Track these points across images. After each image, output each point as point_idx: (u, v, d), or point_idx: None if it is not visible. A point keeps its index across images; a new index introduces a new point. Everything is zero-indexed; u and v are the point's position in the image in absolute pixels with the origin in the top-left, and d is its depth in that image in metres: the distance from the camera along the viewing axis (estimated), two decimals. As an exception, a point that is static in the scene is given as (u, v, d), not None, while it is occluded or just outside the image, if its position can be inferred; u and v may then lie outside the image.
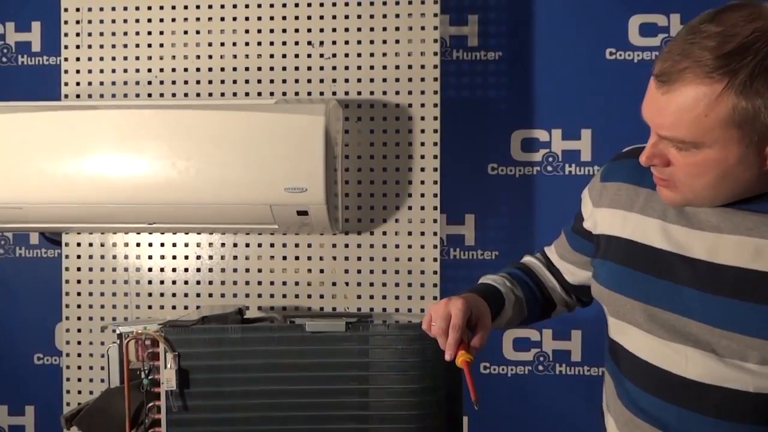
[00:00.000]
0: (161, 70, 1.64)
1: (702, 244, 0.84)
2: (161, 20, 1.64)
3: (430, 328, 0.96)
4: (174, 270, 1.67)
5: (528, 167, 1.80)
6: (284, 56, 1.62)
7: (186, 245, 1.67)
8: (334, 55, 1.61)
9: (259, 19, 1.62)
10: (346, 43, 1.60)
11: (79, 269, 1.67)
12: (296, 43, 1.61)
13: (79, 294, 1.67)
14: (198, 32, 1.64)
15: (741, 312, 0.81)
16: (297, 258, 1.64)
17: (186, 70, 1.64)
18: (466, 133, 1.80)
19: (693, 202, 0.84)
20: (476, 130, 1.80)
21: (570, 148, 1.79)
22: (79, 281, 1.67)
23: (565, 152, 1.79)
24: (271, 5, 1.62)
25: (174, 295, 1.66)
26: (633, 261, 0.91)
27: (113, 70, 1.65)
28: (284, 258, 1.64)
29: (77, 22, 1.65)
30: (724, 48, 0.73)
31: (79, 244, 1.67)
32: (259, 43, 1.63)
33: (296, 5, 1.61)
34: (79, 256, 1.67)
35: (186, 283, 1.66)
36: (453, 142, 1.75)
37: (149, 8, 1.64)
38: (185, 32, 1.64)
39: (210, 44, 1.64)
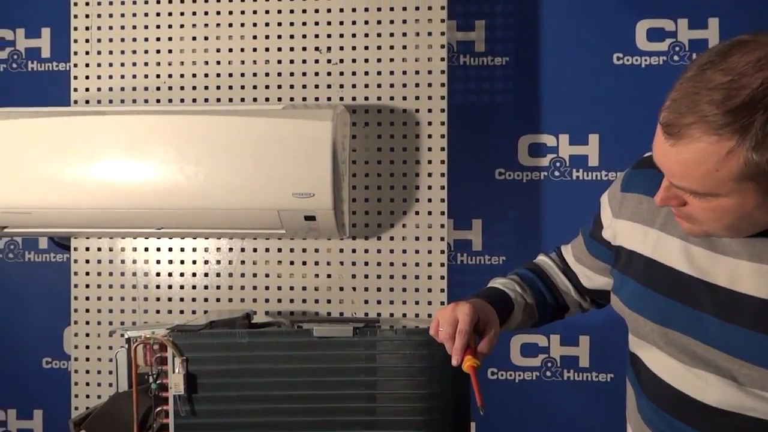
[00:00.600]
0: (170, 75, 1.65)
1: (723, 270, 0.82)
2: (170, 26, 1.65)
3: (437, 333, 0.95)
4: (182, 275, 1.67)
5: (535, 172, 1.80)
6: (292, 62, 1.62)
7: (194, 250, 1.67)
8: (341, 61, 1.61)
9: (267, 25, 1.63)
10: (354, 48, 1.60)
11: (87, 274, 1.68)
12: (304, 49, 1.62)
13: (87, 298, 1.67)
14: (206, 38, 1.64)
15: (761, 344, 0.79)
16: (304, 263, 1.64)
17: (194, 75, 1.65)
18: (473, 138, 1.79)
19: (714, 235, 0.82)
20: (483, 135, 1.80)
21: (577, 153, 1.78)
22: (87, 286, 1.67)
23: (573, 157, 1.79)
24: (279, 11, 1.62)
25: (182, 299, 1.67)
26: (653, 282, 0.88)
27: (122, 76, 1.66)
28: (292, 263, 1.64)
29: (87, 28, 1.66)
30: (731, 102, 0.69)
31: (87, 249, 1.68)
32: (267, 49, 1.63)
33: (304, 11, 1.61)
34: (87, 261, 1.68)
35: (194, 287, 1.67)
36: (460, 147, 1.75)
37: (158, 14, 1.65)
38: (194, 38, 1.65)
39: (218, 50, 1.64)
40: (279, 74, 1.63)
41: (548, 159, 1.79)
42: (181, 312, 1.66)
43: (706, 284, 0.83)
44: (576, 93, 1.77)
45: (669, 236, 0.87)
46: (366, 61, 1.60)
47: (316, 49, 1.62)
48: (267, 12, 1.62)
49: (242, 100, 1.63)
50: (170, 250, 1.68)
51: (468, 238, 1.80)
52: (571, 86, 1.77)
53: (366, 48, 1.60)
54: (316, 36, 1.62)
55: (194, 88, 1.64)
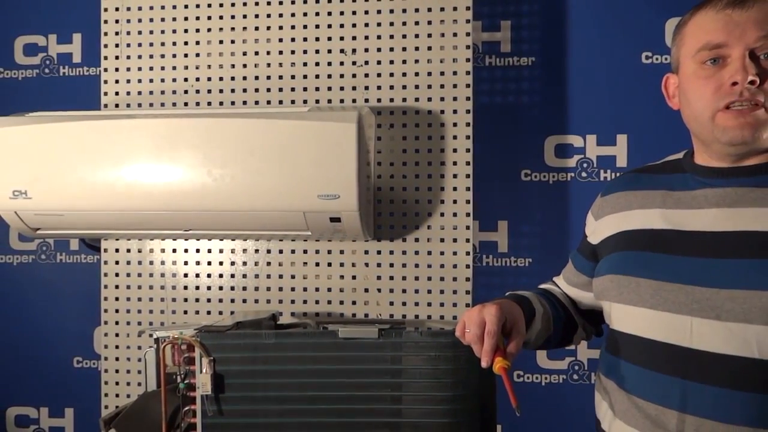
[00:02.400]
0: (197, 79, 1.67)
1: (702, 219, 0.89)
2: (197, 30, 1.67)
3: (463, 335, 0.96)
4: (209, 276, 1.68)
5: (562, 173, 1.78)
6: (317, 64, 1.63)
7: (220, 251, 1.68)
8: (366, 63, 1.61)
9: (293, 27, 1.63)
10: (378, 50, 1.61)
11: (117, 275, 1.70)
12: (329, 51, 1.62)
13: (117, 299, 1.69)
14: (232, 41, 1.66)
15: (743, 269, 0.84)
16: (330, 264, 1.64)
17: (221, 78, 1.66)
18: (499, 139, 1.78)
19: None
20: (509, 136, 1.79)
21: (605, 153, 1.76)
22: (117, 286, 1.69)
23: (600, 158, 1.77)
24: (304, 14, 1.63)
25: (209, 300, 1.68)
26: (635, 244, 0.95)
27: (151, 80, 1.68)
28: (317, 264, 1.64)
29: (116, 33, 1.69)
30: None
31: (117, 250, 1.70)
32: (293, 52, 1.64)
33: (329, 13, 1.62)
34: (117, 262, 1.70)
35: (220, 288, 1.68)
36: (486, 148, 1.74)
37: (185, 19, 1.67)
38: (220, 41, 1.66)
39: (244, 53, 1.65)
40: (304, 76, 1.63)
41: (575, 160, 1.77)
42: (208, 313, 1.67)
43: (684, 232, 0.90)
44: (604, 93, 1.74)
45: (648, 210, 0.96)
46: (391, 62, 1.61)
47: (341, 50, 1.62)
48: (292, 15, 1.64)
49: (268, 102, 1.65)
50: (198, 251, 1.69)
51: (493, 240, 1.79)
52: (598, 86, 1.74)
53: (391, 49, 1.60)
54: (341, 38, 1.62)
55: (221, 91, 1.66)
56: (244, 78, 1.65)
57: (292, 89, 1.64)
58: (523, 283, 1.74)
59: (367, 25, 1.61)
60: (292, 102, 1.64)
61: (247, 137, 1.44)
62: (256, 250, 1.67)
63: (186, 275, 1.69)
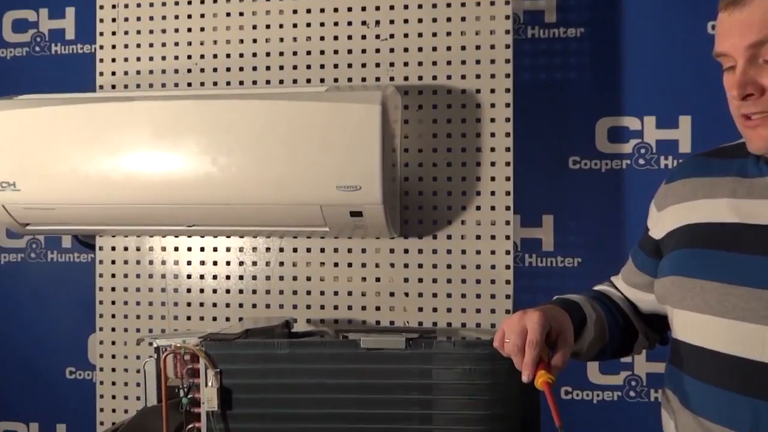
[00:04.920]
0: (201, 56, 1.68)
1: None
2: (202, 2, 1.67)
3: (502, 345, 0.95)
4: (215, 277, 1.69)
5: (616, 160, 1.77)
6: (336, 38, 1.63)
7: (228, 250, 1.69)
8: (391, 36, 1.61)
9: (308, -3, 1.64)
10: (405, 22, 1.60)
11: (113, 275, 1.71)
12: (349, 24, 1.62)
13: (113, 303, 1.71)
14: (241, 14, 1.66)
15: None
16: (350, 265, 1.64)
17: (228, 56, 1.67)
18: (543, 121, 1.77)
19: None
20: (555, 118, 1.77)
21: (666, 137, 1.75)
22: (113, 289, 1.71)
23: (660, 142, 1.75)
24: (322, -17, 1.64)
25: (215, 305, 1.68)
26: (699, 240, 0.94)
27: (150, 58, 1.69)
28: (336, 265, 1.65)
29: (113, 6, 1.71)
30: None
31: (113, 248, 1.72)
32: (308, 24, 1.64)
33: (349, -19, 1.63)
34: (113, 261, 1.72)
35: (228, 291, 1.68)
36: (528, 132, 1.73)
37: (189, -11, 1.68)
38: (227, 14, 1.67)
39: (254, 27, 1.66)
40: (321, 52, 1.63)
41: (631, 145, 1.76)
42: (214, 319, 1.68)
43: (755, 227, 0.88)
44: (664, 68, 1.73)
45: (715, 199, 0.94)
46: (419, 35, 1.60)
47: (363, 23, 1.62)
48: (308, -17, 1.64)
49: (280, 82, 1.64)
50: (202, 249, 1.70)
51: (537, 237, 1.78)
52: (658, 61, 1.73)
53: (419, 21, 1.60)
54: (363, 9, 1.62)
55: (228, 69, 1.66)
56: (254, 55, 1.66)
57: (308, 67, 1.64)
58: (571, 286, 1.70)
59: (392, -7, 1.60)
60: (308, 81, 1.64)
61: (257, 121, 1.44)
62: (267, 249, 1.67)
63: (189, 276, 1.70)
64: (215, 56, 1.67)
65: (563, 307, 1.01)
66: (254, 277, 1.68)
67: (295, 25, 1.64)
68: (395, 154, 1.56)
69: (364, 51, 1.62)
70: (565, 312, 0.99)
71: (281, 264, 1.67)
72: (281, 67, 1.64)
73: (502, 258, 1.59)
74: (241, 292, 1.68)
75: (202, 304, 1.69)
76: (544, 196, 1.78)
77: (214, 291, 1.69)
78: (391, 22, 1.60)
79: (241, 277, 1.68)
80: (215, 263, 1.69)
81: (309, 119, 1.42)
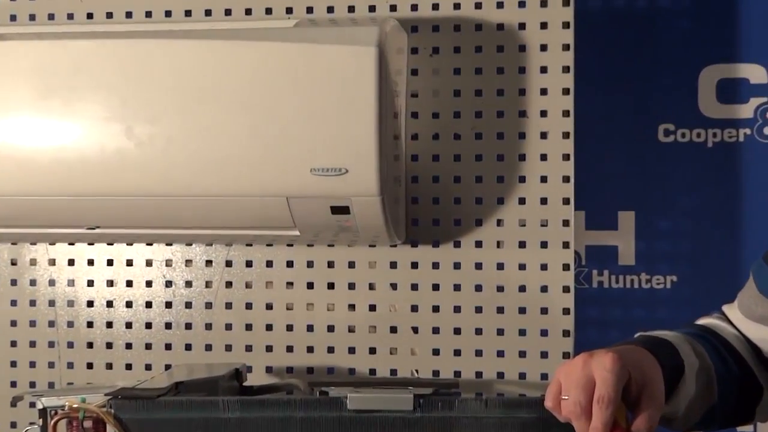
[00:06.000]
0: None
1: None
2: None
3: (559, 404, 0.94)
4: (129, 305, 1.69)
5: (729, 129, 1.76)
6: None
7: (148, 264, 1.69)
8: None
9: None
10: None
11: (-23, 303, 1.71)
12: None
13: (-23, 343, 1.72)
14: None
15: None
16: (331, 286, 1.64)
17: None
18: (618, 72, 1.76)
19: None
20: (638, 67, 1.76)
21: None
22: (-23, 323, 1.71)
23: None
24: None
25: (129, 346, 1.68)
26: None
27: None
28: (310, 286, 1.65)
29: None
30: None
31: (-23, 263, 1.73)
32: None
33: None
34: (-23, 282, 1.73)
35: (148, 326, 1.68)
36: (597, 89, 1.72)
37: None
38: None
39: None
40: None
41: (752, 106, 1.75)
42: (128, 367, 1.68)
43: None
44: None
45: None
46: (433, -61, 1.60)
47: None
48: None
49: (227, 12, 1.64)
50: (110, 263, 1.70)
51: (611, 244, 1.78)
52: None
53: None
54: None
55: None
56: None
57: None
58: (662, 319, 1.71)
59: None
60: (268, 12, 1.63)
61: (193, 72, 1.45)
62: (208, 263, 1.68)
63: (91, 304, 1.70)
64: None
65: (649, 349, 1.00)
66: (188, 305, 1.67)
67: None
68: (398, 122, 1.55)
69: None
70: (651, 356, 0.98)
71: (228, 285, 1.67)
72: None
73: (558, 276, 1.59)
74: (168, 326, 1.68)
75: (109, 345, 1.68)
76: (622, 183, 1.77)
77: (128, 325, 1.69)
78: None
79: (168, 305, 1.68)
80: (129, 284, 1.69)
81: (269, 69, 1.43)
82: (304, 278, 1.64)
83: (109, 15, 1.66)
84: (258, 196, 1.45)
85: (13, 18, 1.68)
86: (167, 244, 1.67)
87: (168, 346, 1.67)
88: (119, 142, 1.43)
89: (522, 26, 1.58)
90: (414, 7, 1.59)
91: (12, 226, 1.57)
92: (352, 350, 1.63)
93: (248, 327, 1.65)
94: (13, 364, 1.69)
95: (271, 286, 1.65)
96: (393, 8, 1.59)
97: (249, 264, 1.65)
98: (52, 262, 1.69)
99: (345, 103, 1.41)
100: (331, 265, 1.63)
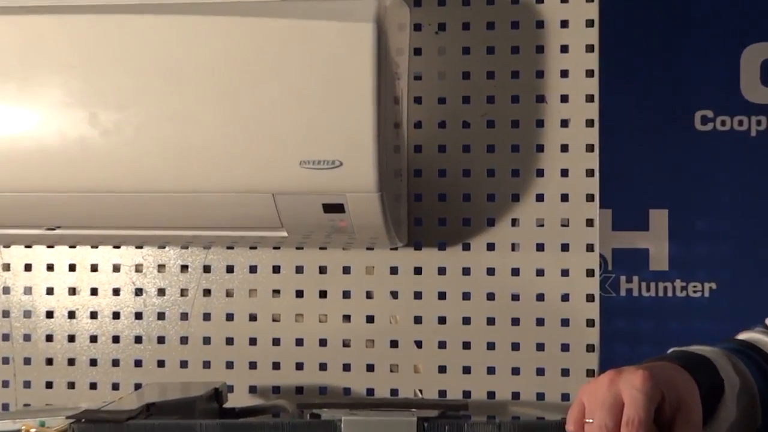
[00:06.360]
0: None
1: None
2: None
3: (582, 428, 0.92)
4: (93, 315, 1.68)
5: None
6: None
7: (115, 269, 1.69)
8: None
9: None
10: None
11: None
12: None
13: None
14: None
15: None
16: (323, 295, 1.64)
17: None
18: (649, 52, 1.75)
19: None
20: (671, 45, 1.75)
21: None
22: None
23: None
24: None
25: (93, 362, 1.68)
26: None
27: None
28: (299, 294, 1.65)
29: None
30: None
31: None
32: None
33: None
34: None
35: (116, 340, 1.68)
36: (625, 69, 1.70)
37: None
38: None
39: None
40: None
41: None
42: (93, 386, 1.68)
43: None
44: None
45: None
46: None
47: None
48: None
49: None
50: (72, 269, 1.70)
51: (641, 247, 1.76)
52: None
53: None
54: None
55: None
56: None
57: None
58: (699, 331, 1.71)
59: None
60: None
61: (166, 51, 1.45)
62: (184, 268, 1.68)
63: (50, 315, 1.70)
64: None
65: (684, 366, 0.97)
66: (161, 316, 1.68)
67: None
68: (399, 108, 1.56)
69: None
70: (687, 373, 0.96)
71: (206, 293, 1.67)
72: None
73: (581, 283, 1.60)
74: (138, 340, 1.68)
75: (71, 362, 1.68)
76: (654, 177, 1.76)
77: (93, 339, 1.68)
78: None
79: (138, 315, 1.68)
80: (94, 292, 1.69)
81: (252, 48, 1.44)
82: (292, 285, 1.64)
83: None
84: (240, 191, 1.45)
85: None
86: (137, 247, 1.67)
87: (138, 363, 1.67)
88: (82, 131, 1.42)
89: (541, -1, 1.56)
90: (418, -21, 1.58)
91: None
92: (347, 367, 1.63)
93: (229, 341, 1.65)
94: (-39, 382, 1.61)
95: (254, 295, 1.65)
96: (395, -21, 1.58)
97: (230, 269, 1.65)
98: (6, 267, 1.70)
99: (339, 86, 1.41)
100: (323, 270, 1.63)
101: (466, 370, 1.60)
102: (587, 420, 0.91)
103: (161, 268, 1.67)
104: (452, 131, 1.60)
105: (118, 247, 1.67)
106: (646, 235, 1.77)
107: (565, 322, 1.58)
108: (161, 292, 1.67)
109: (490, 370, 1.60)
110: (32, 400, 1.67)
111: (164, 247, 1.66)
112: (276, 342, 1.64)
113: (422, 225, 1.61)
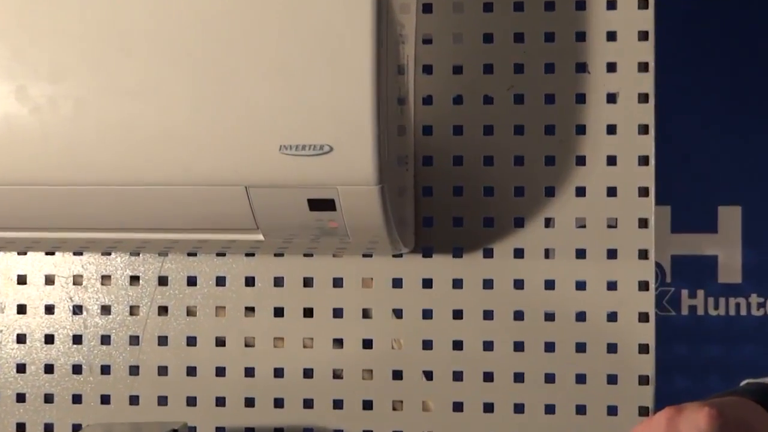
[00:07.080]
0: None
1: None
2: None
3: None
4: (20, 340, 1.70)
5: None
6: None
7: (49, 282, 1.70)
8: None
9: None
10: None
11: None
12: None
13: None
14: None
15: None
16: (309, 313, 1.65)
17: None
18: (715, 22, 1.77)
19: None
20: (737, 20, 1.78)
21: None
22: None
23: None
24: None
25: (21, 398, 1.69)
26: None
27: None
28: (279, 312, 1.66)
29: None
30: None
31: None
32: None
33: None
34: None
35: (49, 370, 1.69)
36: (690, 39, 1.73)
37: None
38: None
39: None
40: None
41: None
42: (20, 428, 1.69)
43: None
44: None
45: None
46: None
47: None
48: None
49: None
50: None
51: (708, 254, 1.79)
52: None
53: None
54: None
55: None
56: None
57: None
58: None
59: None
60: None
61: (112, 10, 1.45)
62: (134, 280, 1.69)
63: None
64: None
65: (761, 402, 1.02)
66: (105, 340, 1.69)
67: None
68: (404, 79, 1.58)
69: None
70: (763, 411, 1.01)
71: (163, 311, 1.67)
72: None
73: (633, 298, 1.60)
74: (76, 370, 1.68)
75: None
76: (723, 169, 1.78)
77: (20, 368, 1.70)
78: None
79: (76, 339, 1.69)
80: (21, 310, 1.70)
81: (222, 6, 1.43)
82: (270, 302, 1.66)
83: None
84: (205, 184, 1.43)
85: None
86: (75, 254, 1.68)
87: (76, 398, 1.68)
88: (7, 107, 1.42)
89: (579, -44, 1.61)
90: (424, -71, 1.61)
91: None
92: (338, 404, 1.64)
93: (191, 371, 1.66)
94: None
95: (222, 314, 1.66)
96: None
97: (192, 281, 1.67)
98: None
99: (329, 53, 1.40)
100: (308, 282, 1.65)
101: (488, 407, 1.61)
102: None
103: (105, 279, 1.68)
104: (470, 108, 1.62)
105: (52, 254, 1.69)
106: (715, 238, 1.79)
107: (611, 348, 1.59)
108: (105, 309, 1.68)
109: (518, 408, 1.61)
110: (-52, 445, 1.66)
111: (109, 254, 1.68)
112: (249, 372, 1.65)
113: (432, 226, 1.63)
